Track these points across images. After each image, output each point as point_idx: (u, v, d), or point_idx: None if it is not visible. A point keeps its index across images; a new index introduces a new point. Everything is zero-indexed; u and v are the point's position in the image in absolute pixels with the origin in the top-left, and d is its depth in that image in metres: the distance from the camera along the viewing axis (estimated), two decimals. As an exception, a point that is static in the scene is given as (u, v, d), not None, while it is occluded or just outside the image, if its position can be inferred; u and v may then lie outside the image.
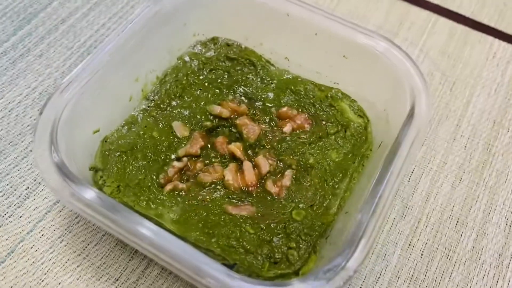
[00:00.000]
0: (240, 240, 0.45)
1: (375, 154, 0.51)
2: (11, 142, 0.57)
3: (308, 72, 0.57)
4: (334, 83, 0.56)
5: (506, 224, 0.55)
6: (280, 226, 0.46)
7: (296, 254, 0.45)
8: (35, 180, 0.54)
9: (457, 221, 0.54)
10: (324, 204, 0.48)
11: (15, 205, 0.52)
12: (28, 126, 0.58)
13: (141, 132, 0.51)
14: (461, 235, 0.54)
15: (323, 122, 0.54)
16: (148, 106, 0.54)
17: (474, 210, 0.55)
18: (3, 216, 0.52)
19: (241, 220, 0.46)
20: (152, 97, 0.54)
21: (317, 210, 0.48)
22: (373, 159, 0.51)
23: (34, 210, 0.52)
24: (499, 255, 0.53)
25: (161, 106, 0.54)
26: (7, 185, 0.54)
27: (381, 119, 0.52)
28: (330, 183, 0.50)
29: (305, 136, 0.53)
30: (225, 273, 0.38)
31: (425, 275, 0.51)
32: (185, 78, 0.56)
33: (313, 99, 0.55)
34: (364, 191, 0.47)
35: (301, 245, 0.45)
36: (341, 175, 0.50)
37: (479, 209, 0.55)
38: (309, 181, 0.50)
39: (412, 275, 0.51)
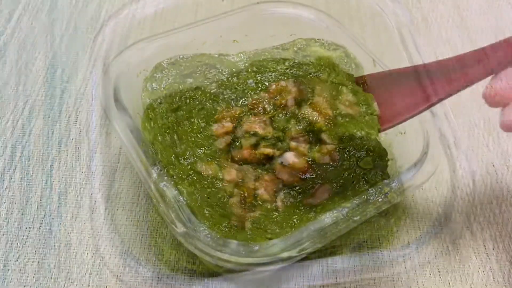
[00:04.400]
0: (350, 216, 0.45)
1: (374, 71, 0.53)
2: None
3: (263, 41, 0.55)
4: (291, 35, 0.55)
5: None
6: (362, 182, 0.47)
7: (395, 195, 0.46)
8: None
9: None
10: (372, 138, 0.50)
11: None
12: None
13: (182, 198, 0.46)
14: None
15: (311, 75, 0.53)
16: (161, 171, 0.48)
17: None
18: None
19: (330, 203, 0.46)
20: (155, 161, 0.48)
21: (373, 149, 0.49)
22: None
23: None
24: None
25: (172, 161, 0.48)
26: None
27: (356, 40, 0.53)
28: (362, 119, 0.51)
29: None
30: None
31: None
32: (167, 122, 0.50)
33: (287, 61, 0.54)
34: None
35: (392, 184, 0.47)
36: (364, 106, 0.52)
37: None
38: (344, 131, 0.50)
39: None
